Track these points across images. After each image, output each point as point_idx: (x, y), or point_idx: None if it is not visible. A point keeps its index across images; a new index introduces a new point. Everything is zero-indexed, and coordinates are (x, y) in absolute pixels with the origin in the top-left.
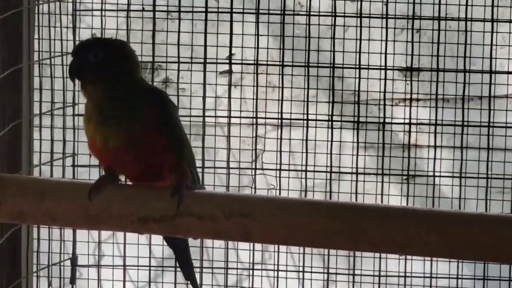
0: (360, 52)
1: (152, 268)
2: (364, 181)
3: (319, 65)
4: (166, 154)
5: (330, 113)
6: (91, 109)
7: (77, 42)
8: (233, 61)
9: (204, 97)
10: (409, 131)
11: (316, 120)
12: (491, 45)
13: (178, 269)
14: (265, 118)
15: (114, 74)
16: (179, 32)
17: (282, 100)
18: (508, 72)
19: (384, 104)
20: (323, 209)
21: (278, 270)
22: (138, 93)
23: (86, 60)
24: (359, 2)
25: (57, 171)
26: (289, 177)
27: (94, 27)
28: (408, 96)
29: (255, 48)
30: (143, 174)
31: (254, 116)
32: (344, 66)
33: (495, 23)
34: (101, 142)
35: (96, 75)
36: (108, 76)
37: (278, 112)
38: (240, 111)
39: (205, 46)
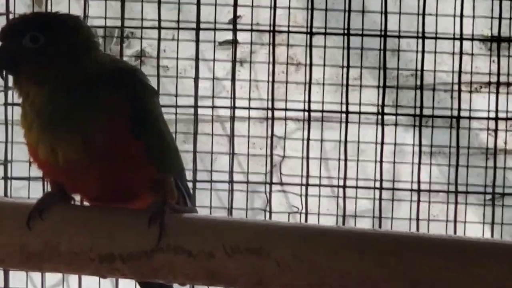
0: (424, 15)
1: None
2: (429, 202)
3: (364, 33)
4: (142, 166)
5: (380, 103)
6: (30, 109)
7: (11, 5)
8: (239, 27)
9: (196, 79)
10: (495, 130)
11: (360, 113)
12: None
13: None
14: (286, 109)
15: (62, 64)
16: None
17: (310, 83)
18: None
19: (459, 90)
20: (370, 242)
21: None
22: (98, 78)
23: (20, 46)
24: None
25: None
26: (319, 196)
27: None
28: (494, 79)
29: (270, 8)
30: (107, 193)
31: (270, 107)
32: (401, 34)
33: None
34: (47, 153)
35: (38, 66)
36: (53, 68)
37: (304, 102)
38: (249, 99)
39: (198, 5)
